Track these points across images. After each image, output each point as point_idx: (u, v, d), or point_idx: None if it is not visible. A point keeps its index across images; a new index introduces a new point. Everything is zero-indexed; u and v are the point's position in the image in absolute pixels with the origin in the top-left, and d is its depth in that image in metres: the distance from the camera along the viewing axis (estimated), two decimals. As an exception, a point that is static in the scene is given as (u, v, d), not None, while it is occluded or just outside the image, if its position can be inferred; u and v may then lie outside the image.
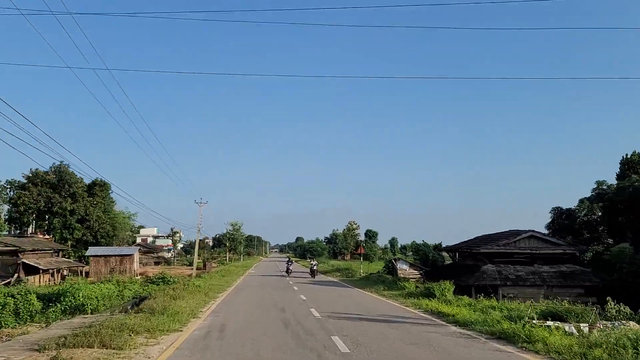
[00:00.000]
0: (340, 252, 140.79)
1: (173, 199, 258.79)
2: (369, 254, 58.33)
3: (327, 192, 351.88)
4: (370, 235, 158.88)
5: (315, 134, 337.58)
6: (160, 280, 33.97)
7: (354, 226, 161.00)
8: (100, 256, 37.78)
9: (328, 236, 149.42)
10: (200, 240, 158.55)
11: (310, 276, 38.46)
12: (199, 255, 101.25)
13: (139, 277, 39.45)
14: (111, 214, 54.27)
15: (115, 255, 38.22)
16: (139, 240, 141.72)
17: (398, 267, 41.57)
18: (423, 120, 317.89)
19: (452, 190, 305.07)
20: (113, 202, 56.85)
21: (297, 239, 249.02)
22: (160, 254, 79.69)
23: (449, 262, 36.88)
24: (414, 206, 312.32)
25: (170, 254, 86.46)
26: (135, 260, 39.51)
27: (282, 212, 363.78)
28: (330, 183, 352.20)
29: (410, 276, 40.77)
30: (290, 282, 33.09)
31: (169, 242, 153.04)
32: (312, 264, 40.88)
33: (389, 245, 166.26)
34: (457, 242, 34.18)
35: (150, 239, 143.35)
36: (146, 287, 31.42)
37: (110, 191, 55.30)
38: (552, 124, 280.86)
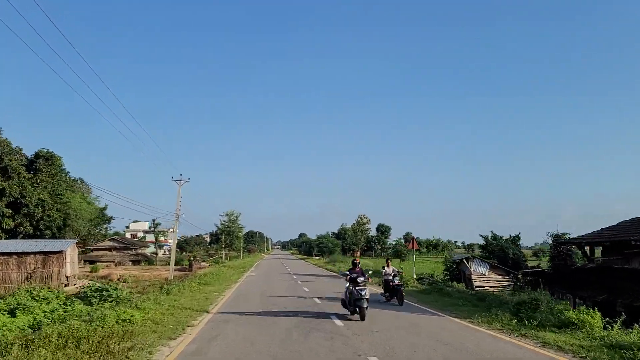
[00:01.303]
0: (349, 249, 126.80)
1: (170, 195, 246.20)
2: (402, 251, 44.44)
3: (328, 189, 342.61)
4: (383, 230, 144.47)
5: (315, 130, 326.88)
6: (97, 294, 20.36)
7: (364, 220, 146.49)
8: (9, 254, 23.88)
9: (335, 231, 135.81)
10: (196, 236, 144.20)
11: (383, 299, 18.75)
12: (188, 252, 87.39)
13: (74, 286, 25.69)
14: (64, 197, 40.48)
15: (34, 253, 24.31)
16: (128, 236, 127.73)
17: (472, 270, 27.75)
18: (424, 117, 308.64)
19: (462, 186, 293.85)
20: (70, 182, 43.17)
21: (301, 235, 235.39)
22: (141, 251, 66.13)
23: (592, 264, 22.71)
24: (418, 202, 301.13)
25: (158, 251, 72.94)
26: (68, 260, 25.66)
27: (283, 209, 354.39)
28: (331, 180, 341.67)
29: (490, 284, 26.97)
30: (318, 301, 19.31)
31: (161, 236, 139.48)
32: (387, 272, 18.64)
33: (402, 241, 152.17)
34: (584, 233, 20.24)
35: (140, 234, 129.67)
36: (67, 309, 18.00)
37: (62, 168, 41.59)
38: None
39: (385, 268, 18.90)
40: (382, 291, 19.23)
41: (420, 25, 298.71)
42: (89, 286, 21.11)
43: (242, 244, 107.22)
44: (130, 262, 58.69)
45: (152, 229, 64.49)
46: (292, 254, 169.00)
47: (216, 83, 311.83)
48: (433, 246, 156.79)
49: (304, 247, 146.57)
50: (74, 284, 26.23)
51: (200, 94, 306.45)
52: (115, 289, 20.50)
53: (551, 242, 30.87)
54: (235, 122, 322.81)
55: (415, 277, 28.11)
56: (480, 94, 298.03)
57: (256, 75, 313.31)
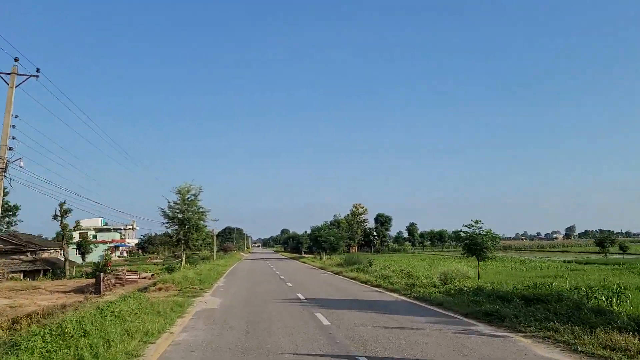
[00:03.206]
0: (344, 243, 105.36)
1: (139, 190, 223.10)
2: (486, 243, 22.63)
3: (309, 185, 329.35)
4: (383, 220, 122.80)
5: (312, 128, 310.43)
6: None
7: (360, 210, 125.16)
8: None
9: (328, 223, 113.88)
10: (164, 234, 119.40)
11: None
12: (150, 254, 63.25)
13: None
14: None
15: None
16: (75, 235, 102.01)
17: None
18: (420, 114, 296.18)
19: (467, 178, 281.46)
20: None
21: (283, 231, 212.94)
22: (49, 256, 42.91)
23: None
24: (416, 195, 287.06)
25: (67, 254, 49.78)
26: None
27: (263, 205, 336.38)
28: (328, 176, 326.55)
29: None
30: None
31: (118, 235, 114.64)
32: None
33: (405, 233, 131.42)
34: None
35: (91, 233, 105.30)
36: None
37: None
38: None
39: None
40: None
41: (419, 24, 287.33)
42: None
43: (214, 240, 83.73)
44: (22, 274, 35.61)
45: (57, 217, 38.81)
46: (276, 251, 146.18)
47: (213, 81, 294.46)
48: (437, 238, 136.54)
49: (291, 243, 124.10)
50: None
51: (197, 92, 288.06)
52: None
53: None
54: (232, 120, 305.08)
55: None
56: (480, 91, 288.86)
57: (254, 74, 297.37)
